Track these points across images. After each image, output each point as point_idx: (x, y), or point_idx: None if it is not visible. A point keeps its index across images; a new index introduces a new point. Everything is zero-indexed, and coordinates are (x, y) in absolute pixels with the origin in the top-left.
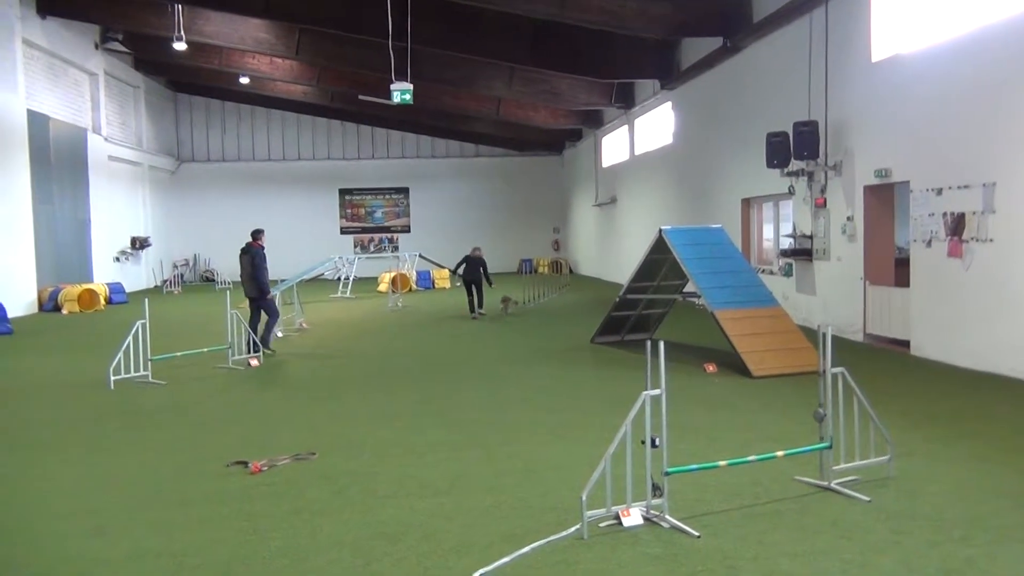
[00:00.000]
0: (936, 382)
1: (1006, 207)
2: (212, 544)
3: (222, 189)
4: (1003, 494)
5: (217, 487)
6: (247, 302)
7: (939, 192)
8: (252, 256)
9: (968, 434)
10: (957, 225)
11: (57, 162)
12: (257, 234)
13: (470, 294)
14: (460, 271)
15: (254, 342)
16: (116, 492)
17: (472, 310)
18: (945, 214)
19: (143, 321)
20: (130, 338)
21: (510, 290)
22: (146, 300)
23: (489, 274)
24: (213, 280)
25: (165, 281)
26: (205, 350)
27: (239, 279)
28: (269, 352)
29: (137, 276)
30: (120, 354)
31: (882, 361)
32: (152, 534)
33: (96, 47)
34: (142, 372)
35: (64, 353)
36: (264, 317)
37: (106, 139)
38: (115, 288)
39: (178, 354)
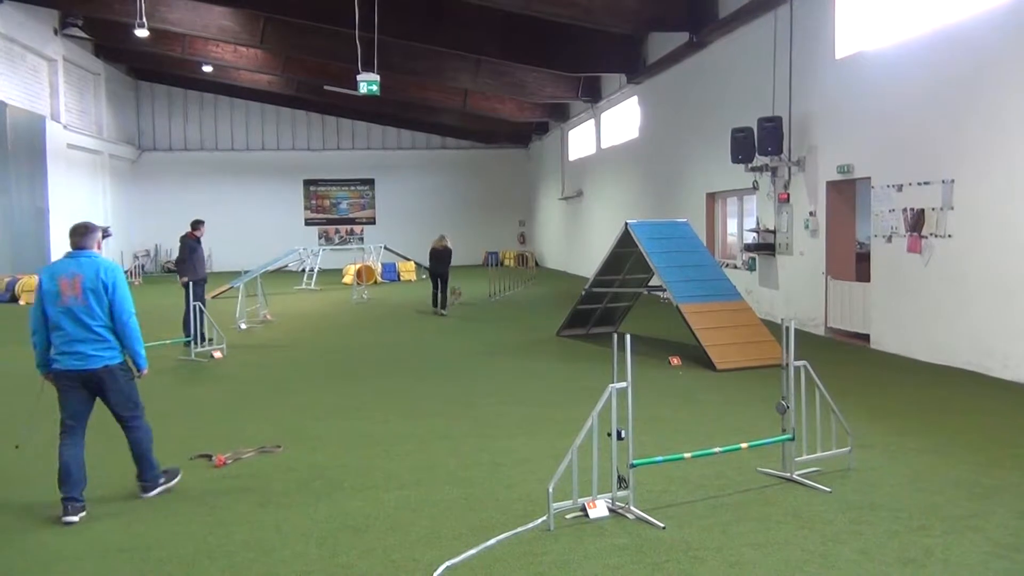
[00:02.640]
0: (895, 375)
1: (964, 204)
2: (176, 538)
3: (184, 179)
4: (959, 485)
5: (181, 480)
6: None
7: (899, 188)
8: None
9: (925, 426)
10: (917, 221)
11: (14, 149)
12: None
13: (435, 287)
14: (428, 267)
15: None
16: None
17: (435, 304)
18: (905, 210)
19: None
20: None
21: (476, 283)
22: None
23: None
24: (175, 271)
25: (125, 272)
26: (168, 341)
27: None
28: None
29: None
30: None
31: (843, 354)
32: (115, 528)
33: (55, 32)
34: None
35: (22, 344)
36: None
37: (65, 127)
38: None
39: None
